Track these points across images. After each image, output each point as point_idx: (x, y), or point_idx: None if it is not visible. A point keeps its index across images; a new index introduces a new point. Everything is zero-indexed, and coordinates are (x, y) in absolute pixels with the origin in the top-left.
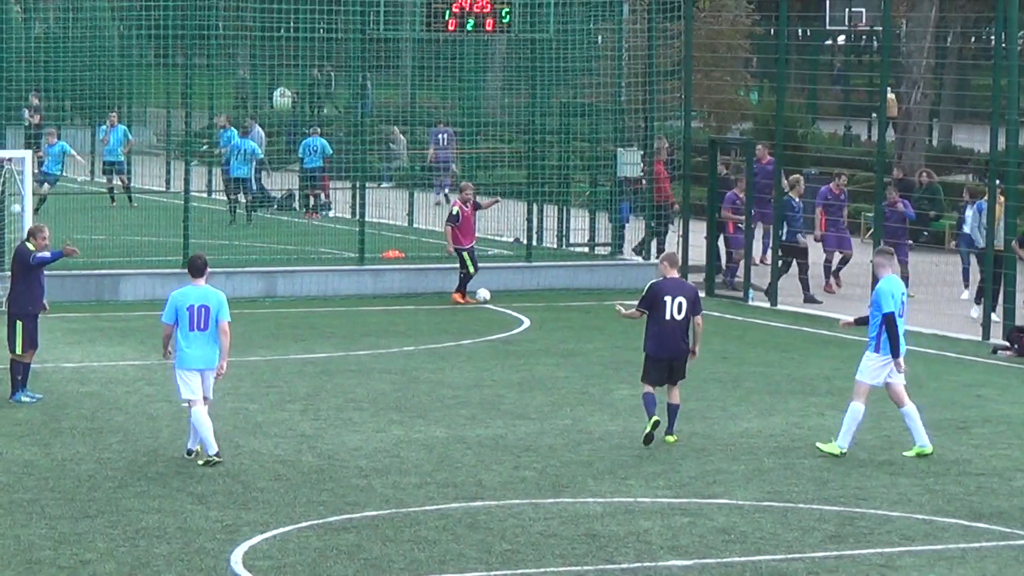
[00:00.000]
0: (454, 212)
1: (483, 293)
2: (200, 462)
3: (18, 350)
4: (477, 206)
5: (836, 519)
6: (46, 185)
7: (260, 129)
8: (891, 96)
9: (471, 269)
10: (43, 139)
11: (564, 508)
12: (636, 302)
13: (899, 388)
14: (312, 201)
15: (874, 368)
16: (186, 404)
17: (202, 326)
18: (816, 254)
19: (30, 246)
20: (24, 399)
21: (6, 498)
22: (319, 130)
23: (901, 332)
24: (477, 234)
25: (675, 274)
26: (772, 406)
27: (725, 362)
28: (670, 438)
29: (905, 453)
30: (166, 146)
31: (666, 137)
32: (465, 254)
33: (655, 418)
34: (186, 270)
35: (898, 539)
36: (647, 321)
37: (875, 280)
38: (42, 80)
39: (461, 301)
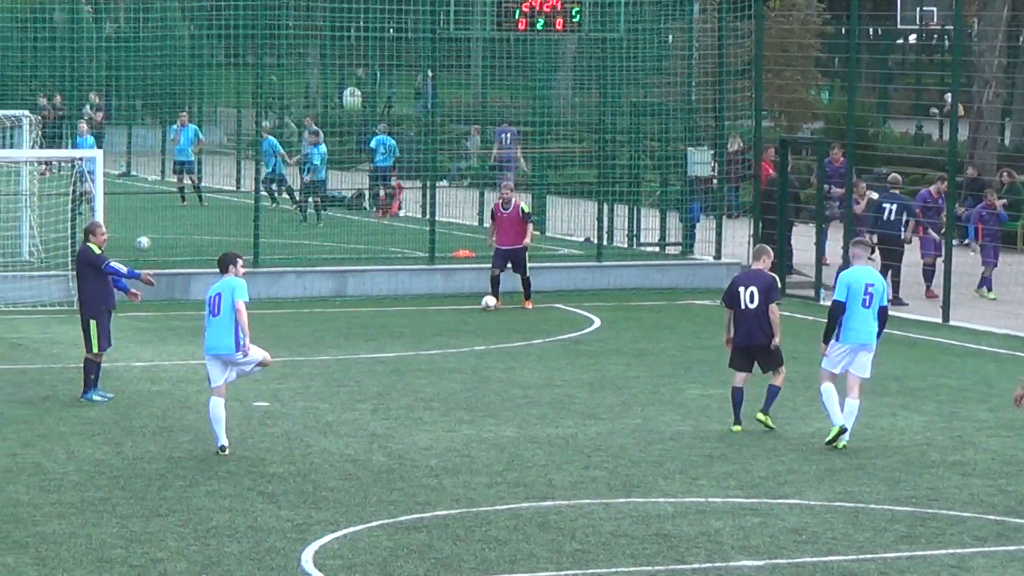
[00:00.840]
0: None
1: (488, 300)
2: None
3: (95, 349)
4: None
5: (908, 519)
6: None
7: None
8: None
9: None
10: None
11: (635, 508)
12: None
13: (852, 380)
14: (383, 199)
15: (833, 356)
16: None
17: (216, 312)
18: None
19: (93, 247)
20: (96, 398)
21: (78, 497)
22: (386, 128)
23: (857, 321)
24: (549, 234)
25: (759, 266)
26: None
27: (795, 362)
28: (760, 416)
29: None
30: (236, 146)
31: (739, 136)
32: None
33: (739, 427)
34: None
35: (970, 540)
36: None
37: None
38: (112, 80)
39: (528, 305)
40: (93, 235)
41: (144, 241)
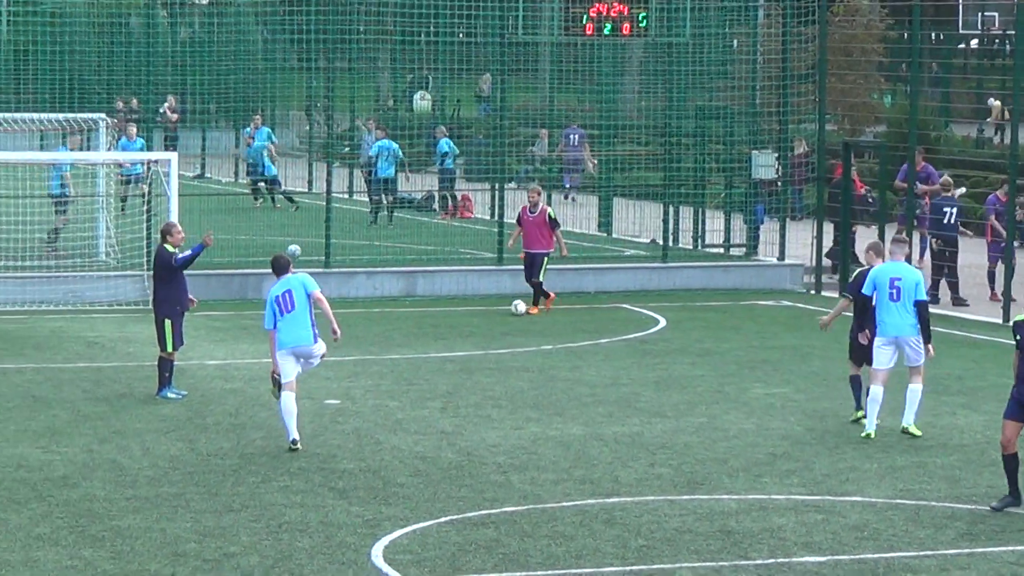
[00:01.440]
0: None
1: (519, 306)
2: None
3: (169, 348)
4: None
5: (968, 517)
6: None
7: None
8: (996, 103)
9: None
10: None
11: (699, 505)
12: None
13: (910, 371)
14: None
15: (878, 354)
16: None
17: (289, 307)
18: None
19: (168, 247)
20: (170, 395)
21: (153, 492)
22: (444, 131)
23: (887, 314)
24: (615, 235)
25: (880, 262)
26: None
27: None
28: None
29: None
30: (308, 148)
31: (803, 139)
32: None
33: (860, 411)
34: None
35: None
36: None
37: None
38: (187, 83)
39: (534, 311)
40: (169, 235)
41: (295, 249)
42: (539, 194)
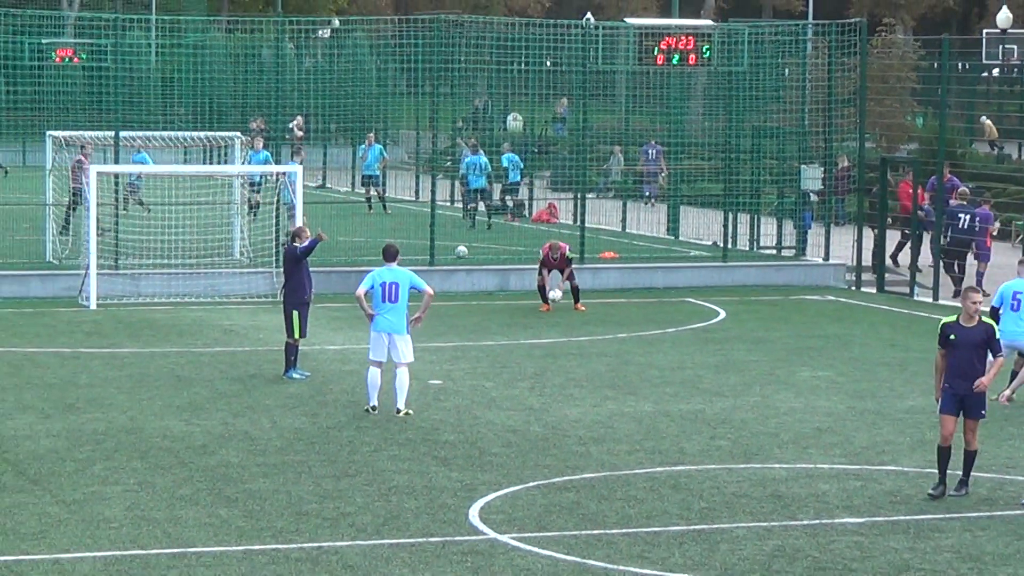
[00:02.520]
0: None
1: (555, 293)
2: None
3: (296, 335)
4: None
5: (988, 484)
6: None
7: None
8: (987, 122)
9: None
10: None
11: (753, 472)
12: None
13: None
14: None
15: None
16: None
17: (393, 299)
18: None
19: (297, 247)
20: (296, 376)
21: (279, 459)
22: (509, 147)
23: (1008, 323)
24: (682, 238)
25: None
26: (933, 387)
27: (893, 349)
28: None
29: None
30: (415, 162)
31: (845, 155)
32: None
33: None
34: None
35: None
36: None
37: None
38: (310, 106)
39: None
40: (299, 237)
41: (462, 249)
42: (559, 250)
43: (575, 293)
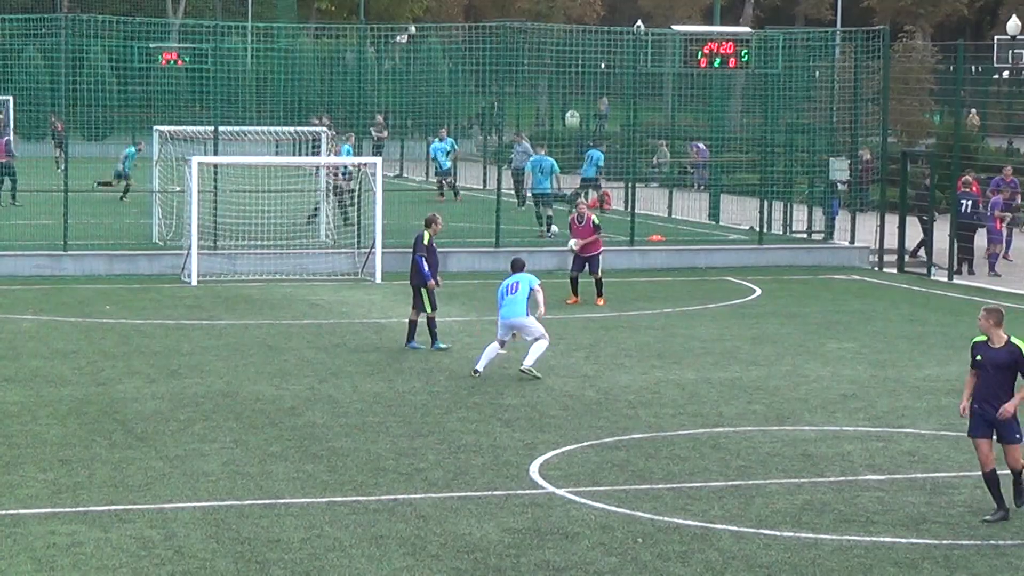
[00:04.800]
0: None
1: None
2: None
3: (428, 309)
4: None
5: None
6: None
7: (528, 143)
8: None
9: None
10: (340, 140)
11: (785, 434)
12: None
13: None
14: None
15: None
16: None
17: (514, 291)
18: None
19: (426, 235)
20: (442, 346)
21: (360, 420)
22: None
23: None
24: (722, 223)
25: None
26: (949, 357)
27: (911, 323)
28: None
29: None
30: (483, 155)
31: (869, 149)
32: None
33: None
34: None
35: None
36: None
37: None
38: (389, 104)
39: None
40: (431, 225)
41: (556, 229)
42: (587, 207)
43: (598, 287)
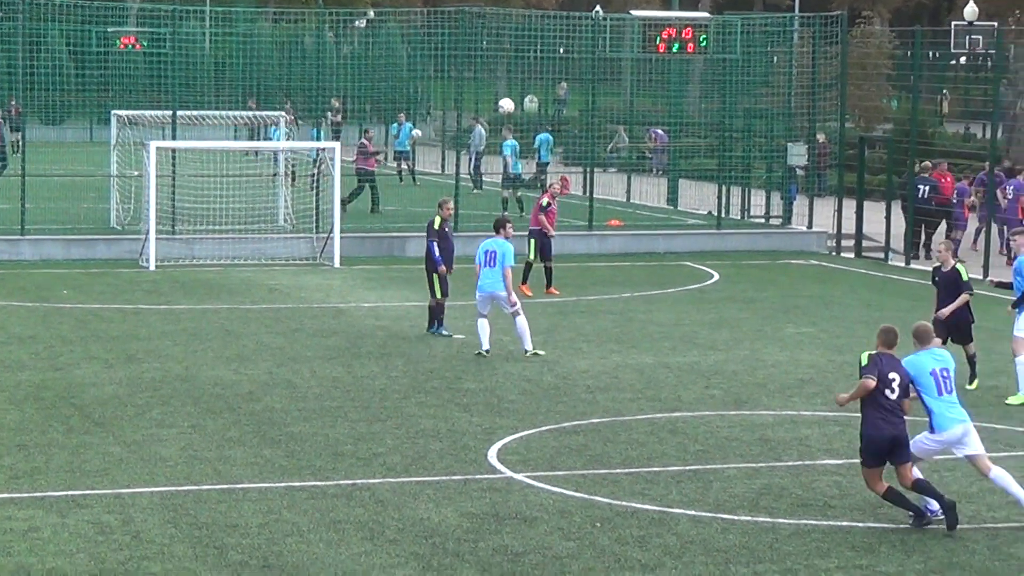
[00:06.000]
0: (544, 203)
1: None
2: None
3: (438, 295)
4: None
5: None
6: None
7: (482, 128)
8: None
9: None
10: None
11: (743, 419)
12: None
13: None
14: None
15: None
16: (460, 337)
17: (492, 265)
18: None
19: (437, 219)
20: (444, 333)
21: (318, 405)
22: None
23: None
24: (680, 208)
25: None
26: (905, 343)
27: (869, 308)
28: None
29: (1008, 401)
30: (441, 139)
31: (825, 134)
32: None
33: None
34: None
35: (1004, 446)
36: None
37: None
38: (347, 88)
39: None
40: (442, 208)
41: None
42: (558, 185)
43: (548, 275)
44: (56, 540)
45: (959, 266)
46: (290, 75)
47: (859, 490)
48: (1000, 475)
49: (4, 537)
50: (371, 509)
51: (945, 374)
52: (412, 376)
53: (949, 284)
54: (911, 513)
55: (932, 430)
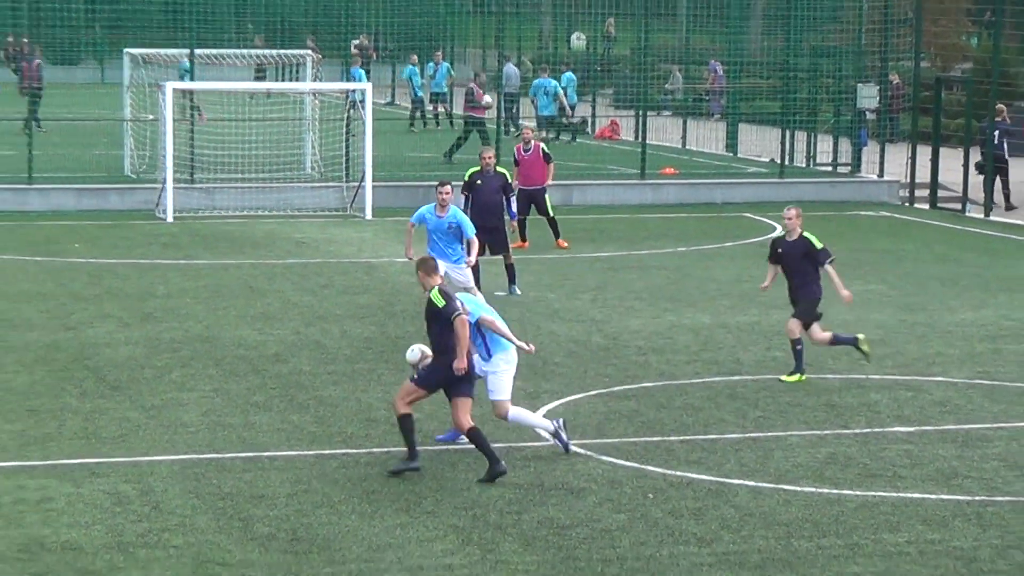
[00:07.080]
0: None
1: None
2: None
3: (514, 244)
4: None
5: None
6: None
7: (515, 68)
8: None
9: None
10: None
11: (808, 382)
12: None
13: None
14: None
15: None
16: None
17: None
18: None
19: (475, 169)
20: (516, 293)
21: (349, 367)
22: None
23: None
24: (740, 155)
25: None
26: (984, 301)
27: (944, 264)
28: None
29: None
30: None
31: (899, 74)
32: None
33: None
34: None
35: None
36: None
37: None
38: (381, 24)
39: (563, 244)
40: (482, 157)
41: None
42: (532, 131)
43: (553, 227)
44: (71, 511)
45: (807, 234)
46: (316, 10)
47: (932, 459)
48: None
49: (16, 507)
50: (407, 479)
51: None
52: None
53: (797, 256)
54: None
55: None
